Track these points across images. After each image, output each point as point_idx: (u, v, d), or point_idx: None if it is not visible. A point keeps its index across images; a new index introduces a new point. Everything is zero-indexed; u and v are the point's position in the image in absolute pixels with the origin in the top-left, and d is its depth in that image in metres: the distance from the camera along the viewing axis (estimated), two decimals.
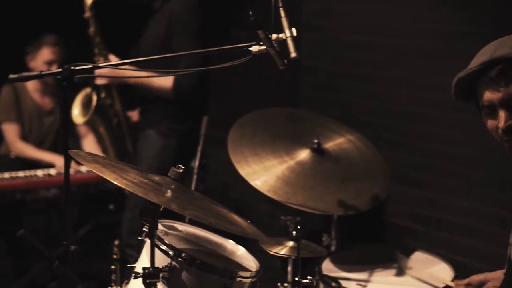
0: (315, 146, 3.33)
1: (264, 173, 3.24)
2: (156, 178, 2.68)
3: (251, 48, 2.70)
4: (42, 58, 5.27)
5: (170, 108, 4.33)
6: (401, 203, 4.56)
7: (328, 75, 5.21)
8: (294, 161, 3.29)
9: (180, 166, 2.67)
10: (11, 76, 2.96)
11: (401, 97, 4.59)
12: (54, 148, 5.30)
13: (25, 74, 3.01)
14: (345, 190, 3.22)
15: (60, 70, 2.82)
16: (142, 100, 4.49)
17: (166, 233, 2.84)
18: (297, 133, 3.44)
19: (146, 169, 2.99)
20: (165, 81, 4.23)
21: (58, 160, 5.07)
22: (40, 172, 5.08)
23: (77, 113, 4.76)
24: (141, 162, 4.34)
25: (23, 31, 5.45)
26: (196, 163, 3.94)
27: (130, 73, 4.13)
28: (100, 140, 4.94)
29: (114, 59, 4.45)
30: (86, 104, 4.71)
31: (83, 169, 5.06)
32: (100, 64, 2.93)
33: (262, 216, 5.81)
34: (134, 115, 4.85)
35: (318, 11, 5.29)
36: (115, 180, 2.44)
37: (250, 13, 2.55)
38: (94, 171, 2.47)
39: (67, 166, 2.83)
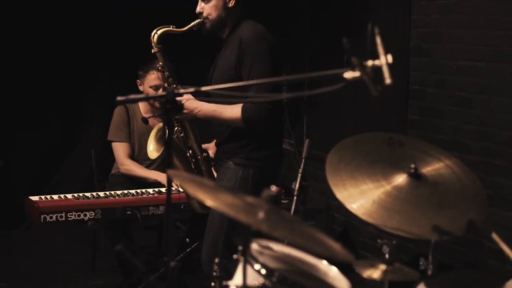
0: (412, 171, 3.33)
1: (360, 197, 3.25)
2: (250, 200, 2.76)
3: (344, 75, 2.74)
4: (149, 83, 5.47)
5: (245, 138, 4.32)
6: (504, 229, 4.50)
7: (434, 99, 5.20)
8: (391, 185, 3.30)
9: (274, 187, 2.72)
10: (118, 98, 3.09)
11: (507, 122, 4.54)
12: (162, 168, 5.46)
13: (132, 96, 3.12)
14: (441, 215, 3.20)
15: (164, 93, 2.95)
16: (218, 131, 4.48)
17: (261, 253, 2.92)
18: (395, 158, 3.44)
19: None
20: (234, 112, 4.21)
21: (164, 179, 5.10)
22: (150, 190, 5.24)
23: (152, 148, 4.77)
24: None
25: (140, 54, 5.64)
26: (296, 185, 3.99)
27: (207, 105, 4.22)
28: None
29: None
30: (160, 139, 4.73)
31: None
32: (202, 89, 3.03)
33: (368, 238, 5.84)
34: (210, 147, 4.83)
35: (426, 35, 5.29)
36: (207, 200, 2.53)
37: (344, 40, 2.60)
38: (188, 191, 2.58)
39: (169, 185, 2.94)
